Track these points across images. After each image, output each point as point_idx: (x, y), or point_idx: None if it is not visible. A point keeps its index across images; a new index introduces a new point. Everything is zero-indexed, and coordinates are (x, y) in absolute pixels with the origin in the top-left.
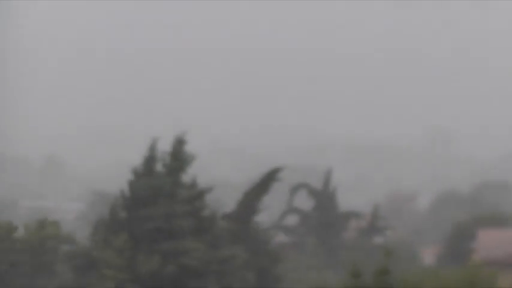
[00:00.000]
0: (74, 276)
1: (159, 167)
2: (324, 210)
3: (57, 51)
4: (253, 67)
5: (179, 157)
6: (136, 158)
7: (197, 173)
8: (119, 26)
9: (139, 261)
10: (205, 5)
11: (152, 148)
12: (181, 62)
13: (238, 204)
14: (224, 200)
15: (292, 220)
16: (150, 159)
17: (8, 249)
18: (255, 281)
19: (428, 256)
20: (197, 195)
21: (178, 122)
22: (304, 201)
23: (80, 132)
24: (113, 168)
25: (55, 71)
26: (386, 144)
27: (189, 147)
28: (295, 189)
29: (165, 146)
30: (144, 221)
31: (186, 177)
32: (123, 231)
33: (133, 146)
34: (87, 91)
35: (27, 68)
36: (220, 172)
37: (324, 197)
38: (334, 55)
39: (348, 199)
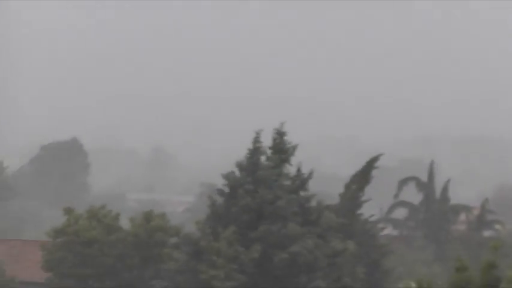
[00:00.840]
0: (187, 259)
1: (262, 159)
2: (432, 204)
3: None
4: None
5: (280, 149)
6: (241, 149)
7: (306, 165)
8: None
9: (241, 251)
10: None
11: (256, 140)
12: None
13: (341, 196)
14: (333, 194)
15: (401, 213)
16: (255, 152)
17: (115, 241)
18: (364, 275)
19: None
20: (300, 183)
21: (288, 113)
22: (413, 194)
23: (182, 123)
24: (220, 160)
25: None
26: (493, 138)
27: (299, 140)
28: (403, 182)
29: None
30: (246, 209)
31: (291, 169)
32: (231, 223)
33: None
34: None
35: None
36: (329, 165)
37: (431, 190)
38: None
39: (456, 192)
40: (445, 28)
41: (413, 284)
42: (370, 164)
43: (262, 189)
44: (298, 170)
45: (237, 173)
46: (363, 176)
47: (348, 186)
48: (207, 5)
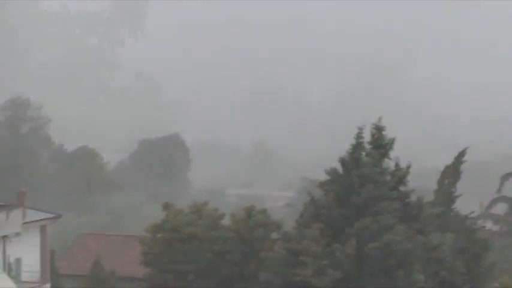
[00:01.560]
0: (285, 254)
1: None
2: None
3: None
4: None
5: (378, 144)
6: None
7: (407, 160)
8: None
9: (336, 248)
10: None
11: (359, 136)
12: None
13: (436, 192)
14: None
15: (502, 209)
16: (357, 147)
17: (216, 237)
18: (463, 270)
19: None
20: (399, 178)
21: (392, 109)
22: None
23: (285, 118)
24: (322, 155)
25: None
26: None
27: (400, 136)
28: (505, 177)
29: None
30: (349, 206)
31: (390, 163)
32: (319, 220)
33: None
34: None
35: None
36: (431, 161)
37: None
38: None
39: None
40: None
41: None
42: (459, 159)
43: (367, 186)
44: (397, 165)
45: (339, 168)
46: (453, 171)
47: (440, 182)
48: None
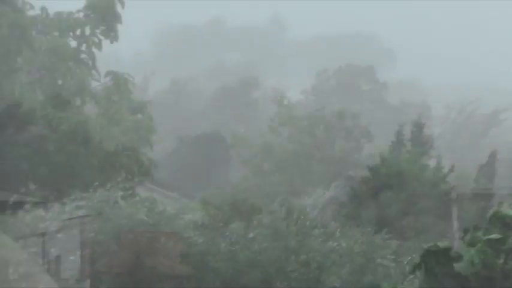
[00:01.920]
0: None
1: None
2: None
3: None
4: None
5: (418, 141)
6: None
7: (452, 157)
8: None
9: (376, 246)
10: None
11: (399, 133)
12: None
13: (473, 190)
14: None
15: None
16: (397, 145)
17: (255, 235)
18: (505, 265)
19: None
20: (442, 177)
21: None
22: None
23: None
24: (361, 152)
25: None
26: None
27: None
28: None
29: None
30: (385, 206)
31: (431, 161)
32: (358, 217)
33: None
34: None
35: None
36: (475, 158)
37: None
38: None
39: None
40: None
41: None
42: (493, 157)
43: (407, 185)
44: (438, 163)
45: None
46: (488, 170)
47: (476, 180)
48: None
